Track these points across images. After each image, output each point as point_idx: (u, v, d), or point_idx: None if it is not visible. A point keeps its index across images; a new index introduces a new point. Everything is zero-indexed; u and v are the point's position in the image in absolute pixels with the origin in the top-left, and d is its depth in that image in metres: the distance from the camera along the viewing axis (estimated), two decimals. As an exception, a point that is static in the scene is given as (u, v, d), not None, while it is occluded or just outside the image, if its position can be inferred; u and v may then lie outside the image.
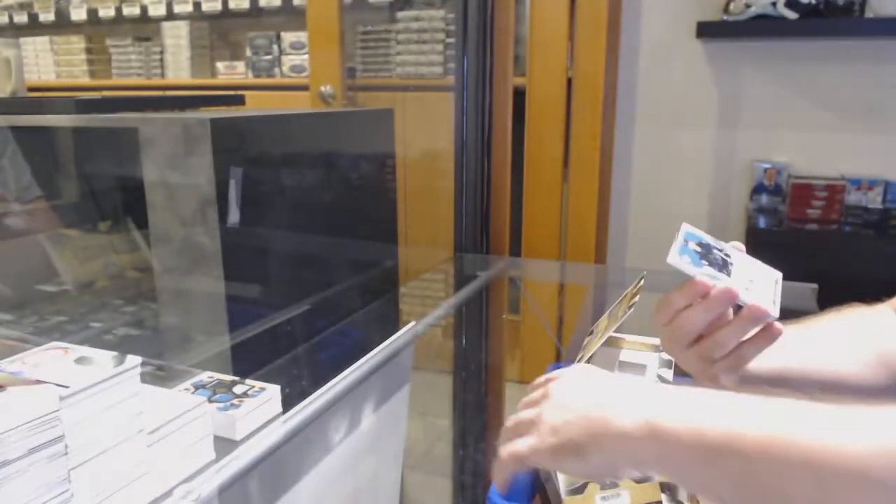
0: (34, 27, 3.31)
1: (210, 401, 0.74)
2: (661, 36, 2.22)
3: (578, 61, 2.19)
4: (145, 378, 0.62)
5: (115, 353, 0.60)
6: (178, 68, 3.06)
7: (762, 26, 2.02)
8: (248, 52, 2.92)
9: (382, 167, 1.55)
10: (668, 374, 0.91)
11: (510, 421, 0.59)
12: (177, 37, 3.04)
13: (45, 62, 3.32)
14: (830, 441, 0.41)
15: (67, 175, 1.35)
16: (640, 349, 0.98)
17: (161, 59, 3.13)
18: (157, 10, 3.03)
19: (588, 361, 0.83)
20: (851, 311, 0.71)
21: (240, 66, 2.97)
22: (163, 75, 3.13)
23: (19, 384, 0.51)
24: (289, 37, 2.82)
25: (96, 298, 1.30)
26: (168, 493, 0.64)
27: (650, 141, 2.31)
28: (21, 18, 3.32)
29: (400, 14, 2.50)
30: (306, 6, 2.47)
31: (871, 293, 0.74)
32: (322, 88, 2.42)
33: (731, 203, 2.24)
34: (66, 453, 0.53)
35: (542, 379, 0.62)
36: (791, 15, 1.97)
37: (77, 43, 3.27)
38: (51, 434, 0.51)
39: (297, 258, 1.28)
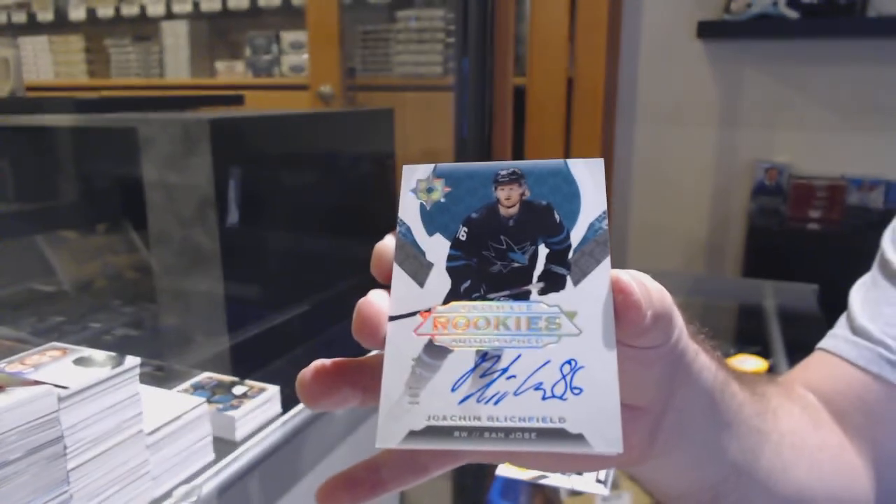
0: (33, 27, 3.30)
1: (209, 401, 0.74)
2: (662, 36, 2.22)
3: (579, 61, 2.19)
4: (144, 379, 0.62)
5: (114, 354, 0.60)
6: (178, 68, 3.05)
7: (763, 26, 2.02)
8: (248, 52, 2.91)
9: (382, 167, 1.55)
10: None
11: None
12: (176, 36, 3.03)
13: (44, 62, 3.31)
14: None
15: (66, 175, 1.34)
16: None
17: (160, 59, 3.12)
18: (156, 10, 3.02)
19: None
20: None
21: (239, 65, 2.96)
22: (162, 75, 3.12)
23: (18, 385, 0.51)
24: (288, 36, 2.82)
25: (95, 299, 1.29)
26: (167, 495, 0.64)
27: (651, 141, 2.30)
28: (19, 18, 3.31)
29: (399, 13, 2.49)
30: (306, 6, 2.46)
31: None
32: (321, 88, 2.41)
33: (731, 203, 2.24)
34: (65, 454, 0.53)
35: None
36: (792, 14, 1.97)
37: (76, 43, 3.26)
38: (50, 435, 0.51)
39: (296, 258, 1.27)
